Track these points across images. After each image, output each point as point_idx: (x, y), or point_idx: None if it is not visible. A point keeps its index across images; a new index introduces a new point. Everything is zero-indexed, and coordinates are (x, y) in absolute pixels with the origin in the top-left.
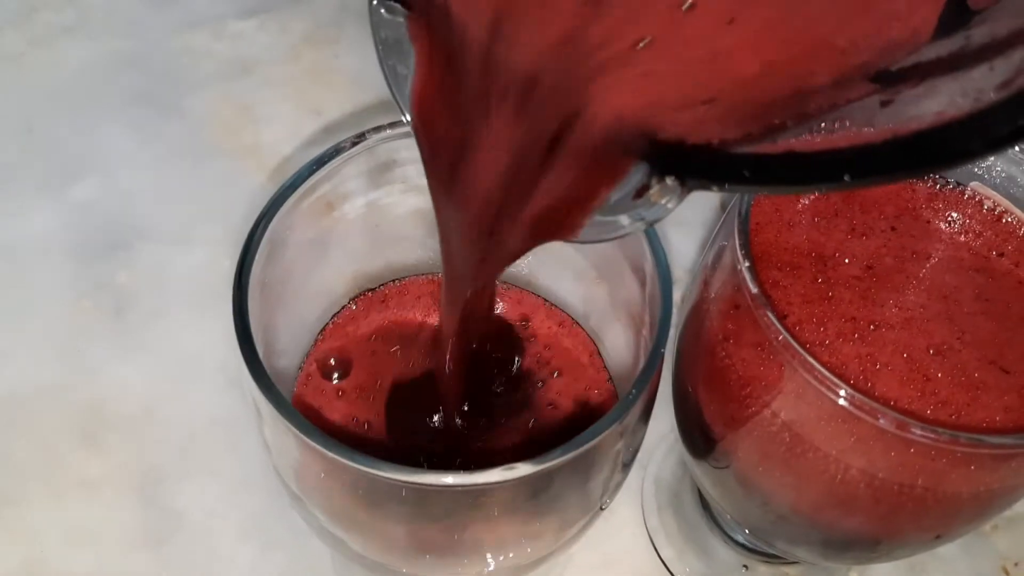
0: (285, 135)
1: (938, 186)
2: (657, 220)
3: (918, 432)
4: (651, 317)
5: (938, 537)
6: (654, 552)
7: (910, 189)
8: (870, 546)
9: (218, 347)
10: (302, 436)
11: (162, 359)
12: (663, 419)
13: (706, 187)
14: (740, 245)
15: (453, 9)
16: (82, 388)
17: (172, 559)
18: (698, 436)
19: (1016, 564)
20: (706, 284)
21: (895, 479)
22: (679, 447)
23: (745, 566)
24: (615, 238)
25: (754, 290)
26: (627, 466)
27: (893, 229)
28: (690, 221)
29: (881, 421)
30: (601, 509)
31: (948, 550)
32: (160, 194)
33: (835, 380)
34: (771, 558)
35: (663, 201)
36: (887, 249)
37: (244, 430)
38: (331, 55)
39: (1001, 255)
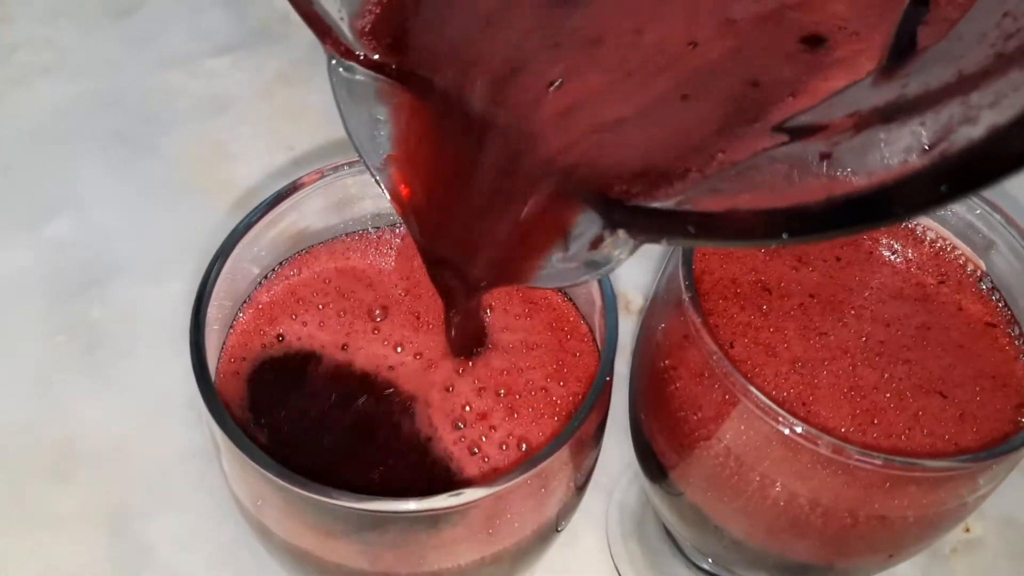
0: (258, 171)
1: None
2: (611, 270)
3: (855, 457)
4: (600, 345)
5: (891, 557)
6: None
7: None
8: (826, 569)
9: (188, 383)
10: (255, 465)
11: (133, 395)
12: (628, 447)
13: (655, 240)
14: (684, 275)
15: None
16: (53, 424)
17: None
18: (652, 464)
19: None
20: (654, 314)
21: (839, 504)
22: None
23: None
24: (573, 285)
25: (697, 320)
26: (581, 489)
27: (837, 259)
28: (654, 249)
29: (820, 447)
30: (558, 531)
31: (908, 573)
32: (134, 231)
33: (775, 408)
34: None
35: (615, 252)
36: (831, 279)
37: (213, 464)
38: (304, 93)
39: (942, 283)
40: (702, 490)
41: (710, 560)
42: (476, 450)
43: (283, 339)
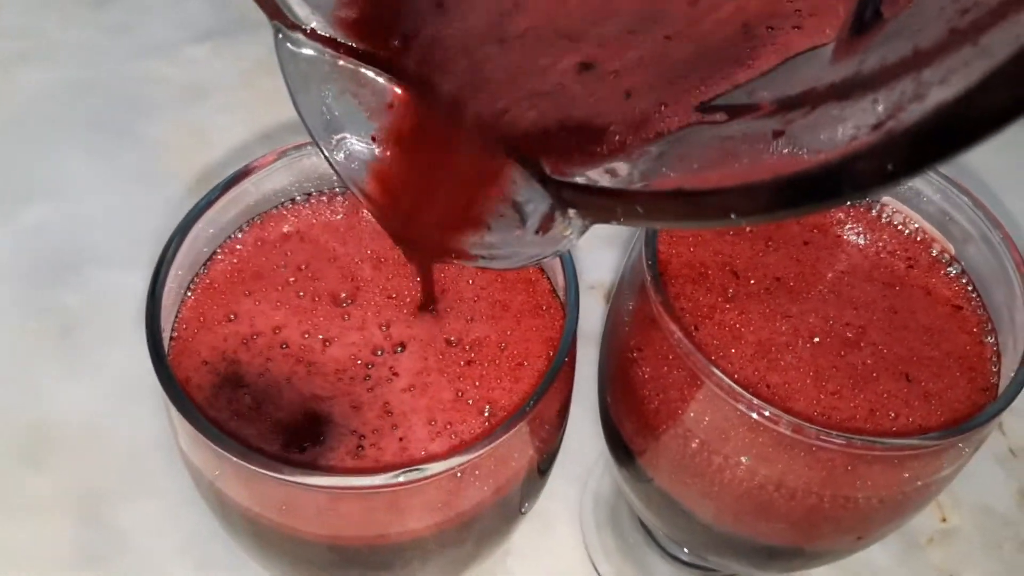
0: (237, 159)
1: (849, 201)
2: (563, 250)
3: (816, 437)
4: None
5: (859, 539)
6: (593, 569)
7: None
8: (795, 552)
9: None
10: (209, 442)
11: (106, 380)
12: (603, 437)
13: (605, 220)
14: (647, 256)
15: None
16: (25, 409)
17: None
18: (621, 449)
19: None
20: (620, 297)
21: (804, 485)
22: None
23: None
24: (528, 264)
25: (659, 301)
26: (544, 473)
27: (806, 243)
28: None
29: (781, 427)
30: (522, 513)
31: (885, 562)
32: (111, 218)
33: (736, 388)
34: (709, 572)
35: (567, 233)
36: (798, 263)
37: None
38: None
39: (910, 267)
40: (669, 474)
41: (685, 550)
42: (434, 421)
43: (234, 318)
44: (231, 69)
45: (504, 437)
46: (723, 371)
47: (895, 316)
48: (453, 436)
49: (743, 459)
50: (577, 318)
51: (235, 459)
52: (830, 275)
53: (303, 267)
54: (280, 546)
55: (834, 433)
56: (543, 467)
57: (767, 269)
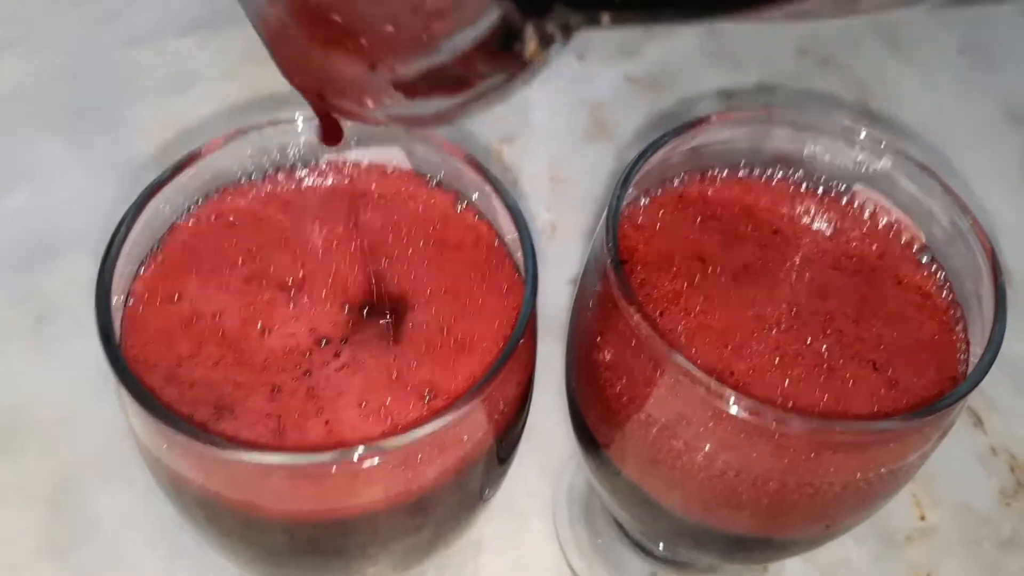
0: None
1: (821, 189)
2: (537, 72)
3: (774, 420)
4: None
5: (828, 528)
6: (566, 565)
7: (795, 192)
8: (766, 542)
9: None
10: (158, 421)
11: (80, 368)
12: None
13: (590, 22)
14: (608, 240)
15: None
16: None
17: (80, 566)
18: (587, 439)
19: (928, 575)
20: (585, 283)
21: (768, 473)
22: None
23: (655, 574)
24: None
25: (619, 285)
26: (504, 460)
27: (775, 232)
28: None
29: (741, 411)
30: (483, 500)
31: (862, 560)
32: (91, 206)
33: (695, 371)
34: (681, 566)
35: (532, 48)
36: (767, 250)
37: None
38: (269, 73)
39: (881, 256)
40: (635, 463)
41: (661, 546)
42: (365, 404)
43: (180, 298)
44: (216, 61)
45: (445, 420)
46: (687, 357)
47: (864, 304)
48: (389, 420)
49: (705, 445)
50: (535, 297)
51: (171, 430)
52: (799, 263)
53: (252, 249)
54: (235, 531)
55: (793, 416)
56: (502, 454)
57: (735, 256)
